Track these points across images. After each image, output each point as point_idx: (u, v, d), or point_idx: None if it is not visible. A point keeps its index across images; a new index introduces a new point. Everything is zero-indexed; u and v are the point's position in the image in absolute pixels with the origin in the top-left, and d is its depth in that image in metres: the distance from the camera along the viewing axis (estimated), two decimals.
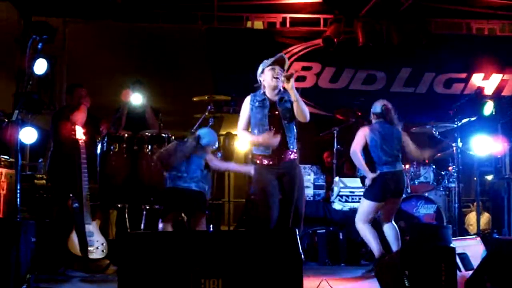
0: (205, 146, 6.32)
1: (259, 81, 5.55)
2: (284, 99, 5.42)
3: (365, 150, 6.51)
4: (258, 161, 5.46)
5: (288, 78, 5.26)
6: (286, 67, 5.49)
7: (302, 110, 5.35)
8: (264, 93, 5.50)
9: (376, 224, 6.56)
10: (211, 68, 10.08)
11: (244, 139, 5.68)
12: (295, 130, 5.52)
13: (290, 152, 5.41)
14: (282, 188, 5.42)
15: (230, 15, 10.42)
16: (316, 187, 8.00)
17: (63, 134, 6.82)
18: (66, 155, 6.77)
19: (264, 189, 5.39)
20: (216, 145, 6.82)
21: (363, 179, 6.66)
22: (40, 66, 6.41)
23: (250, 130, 5.58)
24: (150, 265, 4.12)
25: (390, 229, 6.50)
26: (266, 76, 5.44)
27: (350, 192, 7.88)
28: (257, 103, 5.48)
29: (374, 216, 6.54)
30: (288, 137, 5.41)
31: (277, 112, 5.42)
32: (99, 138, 7.17)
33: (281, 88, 5.49)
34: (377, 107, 6.65)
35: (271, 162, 5.40)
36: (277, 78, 5.37)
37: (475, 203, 8.81)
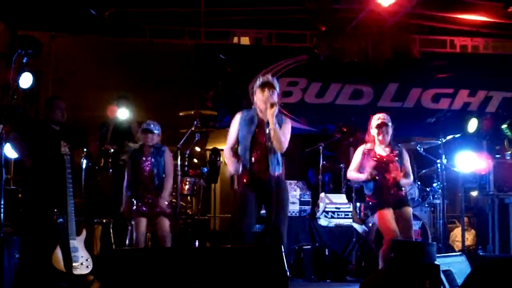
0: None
1: (252, 99, 5.52)
2: (275, 122, 5.27)
3: None
4: (240, 180, 5.47)
5: (272, 105, 5.21)
6: (277, 87, 5.45)
7: (278, 139, 5.25)
8: (255, 110, 5.48)
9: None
10: (198, 83, 10.09)
11: (225, 158, 5.64)
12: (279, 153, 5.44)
13: (271, 173, 5.30)
14: (267, 204, 5.42)
15: (217, 31, 10.46)
16: (302, 203, 7.98)
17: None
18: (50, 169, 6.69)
19: (239, 204, 5.44)
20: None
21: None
22: (25, 80, 6.42)
23: (237, 147, 5.55)
24: (135, 281, 4.10)
25: None
26: (257, 97, 5.42)
27: (336, 208, 7.85)
28: (246, 118, 5.46)
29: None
30: (269, 159, 5.30)
31: (263, 132, 5.37)
32: (85, 153, 7.11)
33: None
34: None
35: (249, 180, 5.36)
36: (267, 100, 5.32)
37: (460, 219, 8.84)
